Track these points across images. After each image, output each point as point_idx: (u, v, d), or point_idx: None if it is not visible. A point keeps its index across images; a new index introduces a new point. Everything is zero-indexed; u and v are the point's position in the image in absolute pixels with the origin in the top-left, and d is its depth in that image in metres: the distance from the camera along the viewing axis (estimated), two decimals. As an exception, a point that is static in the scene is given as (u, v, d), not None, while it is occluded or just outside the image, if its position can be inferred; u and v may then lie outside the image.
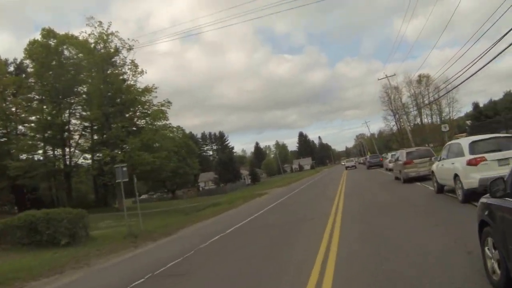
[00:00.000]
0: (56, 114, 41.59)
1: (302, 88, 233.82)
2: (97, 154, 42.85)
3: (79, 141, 46.75)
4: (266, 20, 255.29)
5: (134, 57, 60.52)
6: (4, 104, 41.93)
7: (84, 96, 44.01)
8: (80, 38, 40.98)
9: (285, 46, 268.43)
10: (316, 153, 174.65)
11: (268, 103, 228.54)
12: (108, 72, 40.69)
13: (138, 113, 44.30)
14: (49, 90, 41.41)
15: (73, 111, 45.68)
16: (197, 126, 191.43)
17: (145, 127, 43.24)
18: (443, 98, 66.50)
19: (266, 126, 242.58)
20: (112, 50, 41.52)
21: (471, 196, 10.36)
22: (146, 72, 43.10)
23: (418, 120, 77.88)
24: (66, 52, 42.58)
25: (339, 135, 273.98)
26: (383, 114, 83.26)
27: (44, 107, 42.92)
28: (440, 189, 13.34)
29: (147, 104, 43.48)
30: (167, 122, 45.21)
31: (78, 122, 46.47)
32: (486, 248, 4.56)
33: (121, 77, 42.95)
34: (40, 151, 44.53)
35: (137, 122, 44.80)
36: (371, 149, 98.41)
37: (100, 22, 40.45)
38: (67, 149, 45.79)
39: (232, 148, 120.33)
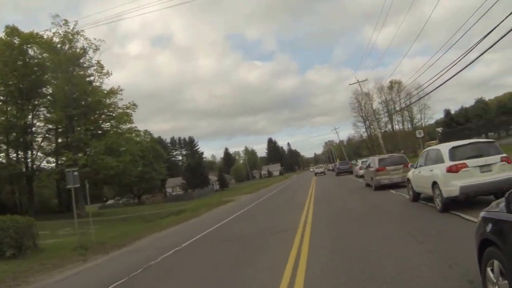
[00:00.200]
0: (20, 116, 39.62)
1: (272, 94, 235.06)
2: (62, 158, 41.16)
3: (42, 144, 44.90)
4: (237, 26, 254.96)
5: (104, 59, 59.40)
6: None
7: (49, 97, 42.29)
8: (45, 37, 39.63)
9: (256, 53, 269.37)
10: (285, 159, 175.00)
11: (238, 109, 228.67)
12: (74, 73, 39.23)
13: (103, 116, 43.15)
14: (13, 91, 39.40)
15: (37, 113, 43.75)
16: (167, 131, 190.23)
17: (109, 130, 42.18)
18: (415, 104, 66.94)
19: (236, 131, 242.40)
20: (78, 50, 40.40)
21: (450, 205, 9.73)
22: (111, 74, 42.38)
23: (389, 126, 78.12)
24: (31, 52, 40.87)
25: (308, 141, 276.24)
26: (353, 120, 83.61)
27: (8, 108, 40.76)
28: (416, 197, 12.72)
29: (112, 106, 42.52)
30: (132, 126, 44.51)
31: (42, 124, 44.74)
32: (489, 273, 3.72)
33: (87, 79, 41.85)
34: (2, 154, 42.49)
35: (102, 125, 43.74)
36: (340, 155, 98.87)
37: (66, 21, 39.29)
38: (30, 152, 43.76)
39: (202, 153, 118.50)
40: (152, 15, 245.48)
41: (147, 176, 64.85)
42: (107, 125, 43.66)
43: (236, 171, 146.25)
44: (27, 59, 39.99)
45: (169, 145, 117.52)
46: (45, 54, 39.50)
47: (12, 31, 39.90)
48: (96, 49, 40.57)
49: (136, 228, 21.72)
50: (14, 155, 42.99)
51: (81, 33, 39.80)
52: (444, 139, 40.08)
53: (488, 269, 3.73)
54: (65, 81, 37.65)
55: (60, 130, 43.53)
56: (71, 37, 39.57)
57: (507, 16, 14.63)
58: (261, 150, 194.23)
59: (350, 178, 36.64)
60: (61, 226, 26.05)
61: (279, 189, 40.37)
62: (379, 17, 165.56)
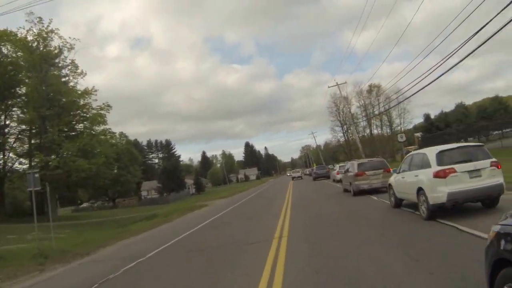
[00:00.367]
0: (-8, 116, 38.16)
1: (250, 98, 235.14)
2: (35, 159, 39.38)
3: (14, 145, 43.13)
4: (216, 29, 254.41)
5: (83, 60, 57.92)
6: None
7: (23, 98, 40.60)
8: (19, 35, 38.04)
9: (235, 56, 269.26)
10: (262, 164, 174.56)
11: (217, 112, 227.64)
12: (48, 72, 37.88)
13: (77, 117, 41.77)
14: (-14, 90, 37.85)
15: (11, 113, 42.03)
16: (144, 134, 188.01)
17: (83, 131, 40.90)
18: (394, 109, 66.69)
19: (214, 135, 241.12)
20: (52, 48, 39.23)
21: (437, 212, 9.11)
22: (86, 74, 41.32)
23: (368, 131, 77.76)
24: (4, 50, 39.11)
25: (285, 146, 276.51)
26: (330, 125, 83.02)
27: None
28: (398, 203, 12.08)
29: (86, 107, 41.26)
30: (106, 127, 43.25)
31: (15, 124, 43.01)
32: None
33: (63, 79, 40.67)
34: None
35: (76, 126, 42.39)
36: (317, 160, 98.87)
37: (40, 18, 37.93)
38: (1, 154, 41.94)
39: (179, 156, 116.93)
40: (132, 18, 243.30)
41: (122, 179, 64.29)
42: (81, 127, 42.39)
43: (213, 174, 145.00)
44: (0, 58, 38.30)
45: (146, 148, 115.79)
46: (19, 53, 38.13)
47: (-16, 29, 38.34)
48: (71, 48, 39.49)
49: (105, 233, 20.85)
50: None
51: (56, 32, 38.71)
52: (424, 144, 40.01)
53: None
54: (39, 81, 36.46)
55: (34, 131, 41.96)
56: (45, 35, 38.34)
57: (486, 24, 14.53)
58: (239, 154, 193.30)
59: (327, 183, 36.17)
60: (31, 230, 24.82)
61: (255, 193, 39.60)
62: (358, 22, 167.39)
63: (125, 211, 52.05)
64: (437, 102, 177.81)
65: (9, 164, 42.98)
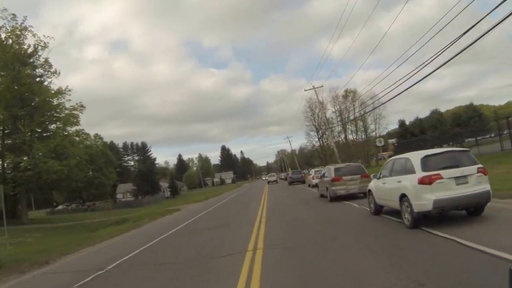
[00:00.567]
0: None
1: (227, 102, 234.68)
2: (6, 161, 38.23)
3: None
4: (194, 33, 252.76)
5: (60, 62, 56.03)
6: None
7: None
8: None
9: (212, 60, 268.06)
10: (238, 167, 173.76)
11: (193, 116, 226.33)
12: (21, 71, 35.90)
13: (50, 117, 39.87)
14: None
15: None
16: (121, 136, 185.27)
17: (55, 132, 39.38)
18: (369, 114, 66.57)
19: (190, 139, 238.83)
20: (26, 47, 37.53)
21: (422, 220, 8.45)
22: (59, 73, 39.67)
23: (343, 136, 77.33)
24: None
25: (261, 150, 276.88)
26: (305, 130, 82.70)
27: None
28: (378, 210, 11.40)
29: (60, 107, 39.60)
30: (80, 128, 41.97)
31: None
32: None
33: (37, 79, 38.90)
34: None
35: (48, 127, 40.66)
36: (292, 165, 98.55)
37: (14, 15, 36.21)
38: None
39: (154, 159, 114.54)
40: (111, 20, 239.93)
41: (96, 181, 62.77)
42: (53, 127, 40.80)
43: (188, 177, 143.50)
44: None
45: (122, 150, 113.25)
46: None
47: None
48: (45, 46, 37.90)
49: (73, 238, 20.04)
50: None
51: (30, 29, 37.11)
52: (398, 150, 39.87)
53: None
54: (11, 80, 34.85)
55: (7, 131, 39.68)
56: (18, 32, 36.56)
57: (460, 36, 14.78)
58: (215, 157, 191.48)
59: (302, 187, 35.61)
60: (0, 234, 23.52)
61: (231, 197, 38.75)
62: (334, 30, 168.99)
63: (99, 214, 51.03)
64: (412, 109, 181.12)
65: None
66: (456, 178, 8.21)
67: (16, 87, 35.44)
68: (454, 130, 42.93)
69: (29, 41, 38.02)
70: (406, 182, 8.92)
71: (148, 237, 14.22)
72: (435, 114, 77.39)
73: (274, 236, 10.07)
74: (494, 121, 39.01)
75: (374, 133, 71.61)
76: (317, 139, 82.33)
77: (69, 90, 39.46)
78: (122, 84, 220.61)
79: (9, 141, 39.22)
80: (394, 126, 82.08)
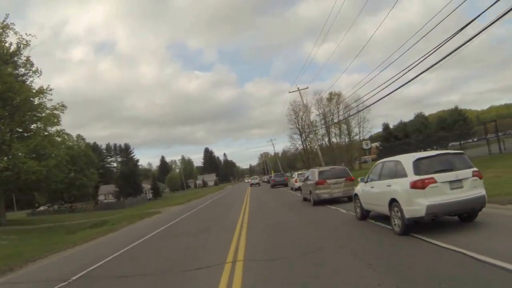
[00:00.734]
0: None
1: (211, 105, 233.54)
2: None
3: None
4: (179, 36, 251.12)
5: (45, 62, 54.61)
6: None
7: None
8: None
9: (196, 63, 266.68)
10: (221, 170, 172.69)
11: (177, 118, 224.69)
12: (4, 70, 34.55)
13: (32, 117, 38.68)
14: None
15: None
16: (105, 137, 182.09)
17: (36, 132, 38.16)
18: (353, 117, 66.11)
19: (174, 140, 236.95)
20: (7, 45, 36.36)
21: (413, 227, 7.86)
22: (41, 72, 38.69)
23: (327, 139, 76.71)
24: None
25: (244, 153, 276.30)
26: (289, 133, 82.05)
27: None
28: (365, 215, 10.80)
29: (41, 107, 38.38)
30: (60, 128, 40.77)
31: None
32: None
33: (20, 78, 37.67)
34: None
35: (29, 127, 39.31)
36: (275, 167, 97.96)
37: None
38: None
39: (137, 161, 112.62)
40: (97, 22, 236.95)
41: (77, 182, 61.63)
42: (34, 127, 39.50)
43: (171, 179, 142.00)
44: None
45: (105, 151, 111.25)
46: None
47: None
48: (26, 45, 36.76)
49: (48, 241, 19.33)
50: None
51: (11, 27, 35.92)
52: (382, 153, 39.55)
53: None
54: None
55: None
56: (0, 30, 35.41)
57: (444, 43, 14.57)
58: (198, 159, 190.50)
59: (285, 190, 35.03)
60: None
61: (213, 200, 37.93)
62: (319, 34, 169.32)
63: (79, 215, 49.85)
64: (394, 114, 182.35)
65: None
66: (451, 182, 7.65)
67: (-4, 86, 34.15)
68: (439, 134, 42.80)
69: (11, 39, 37.04)
70: (397, 186, 8.32)
71: (124, 243, 13.22)
72: (420, 117, 77.61)
73: (256, 246, 9.26)
74: (481, 124, 39.10)
75: (357, 137, 71.33)
76: (300, 142, 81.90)
77: (51, 90, 38.31)
78: (107, 85, 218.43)
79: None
80: (378, 129, 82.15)
